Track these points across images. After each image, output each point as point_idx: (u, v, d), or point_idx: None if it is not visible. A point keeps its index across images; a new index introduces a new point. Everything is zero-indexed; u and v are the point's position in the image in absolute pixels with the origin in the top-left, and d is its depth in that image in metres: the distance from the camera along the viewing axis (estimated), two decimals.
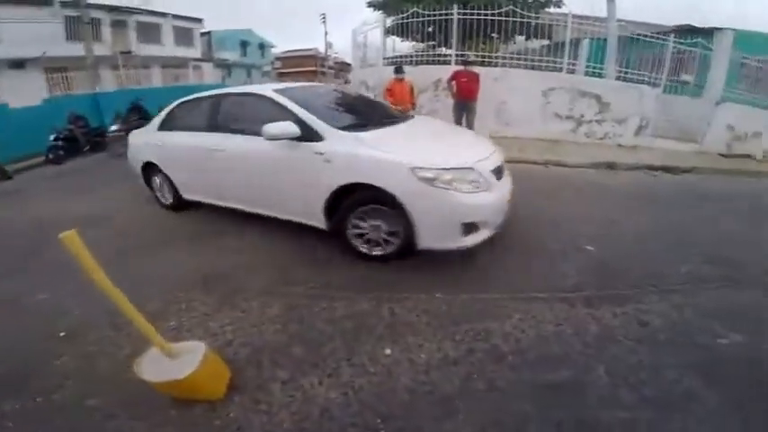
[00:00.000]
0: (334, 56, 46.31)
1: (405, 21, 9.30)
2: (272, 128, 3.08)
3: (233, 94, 4.03)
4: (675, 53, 7.98)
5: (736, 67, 8.54)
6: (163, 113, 4.62)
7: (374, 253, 3.14)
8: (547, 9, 10.87)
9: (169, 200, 4.71)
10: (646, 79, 7.82)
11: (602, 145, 7.75)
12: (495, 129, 7.68)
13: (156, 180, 4.73)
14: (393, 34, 11.13)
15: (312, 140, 3.11)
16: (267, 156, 3.36)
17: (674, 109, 8.19)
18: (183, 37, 26.12)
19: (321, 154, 3.04)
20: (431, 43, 10.64)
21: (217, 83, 21.13)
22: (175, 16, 25.27)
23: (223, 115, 3.91)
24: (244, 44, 34.39)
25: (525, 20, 8.03)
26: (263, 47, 37.95)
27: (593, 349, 2.18)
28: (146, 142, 4.69)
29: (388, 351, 2.22)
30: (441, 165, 2.74)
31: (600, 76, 7.89)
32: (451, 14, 8.48)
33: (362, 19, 11.11)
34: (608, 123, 7.72)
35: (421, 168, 2.71)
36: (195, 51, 26.93)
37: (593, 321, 2.41)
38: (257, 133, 3.20)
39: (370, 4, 13.15)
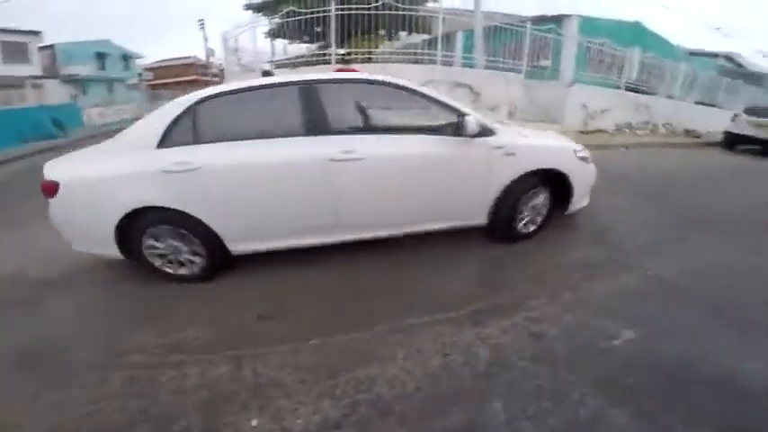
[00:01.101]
0: (218, 63, 42.74)
1: (286, 21, 8.69)
2: (473, 123, 2.80)
3: (332, 81, 2.92)
4: (534, 40, 8.60)
5: (584, 51, 9.57)
6: (164, 117, 2.71)
7: (530, 230, 3.41)
8: (426, 3, 11.07)
9: (198, 264, 2.89)
10: (510, 66, 8.31)
11: None
12: None
13: (161, 240, 2.77)
14: (280, 37, 10.37)
15: (486, 135, 2.94)
16: (435, 158, 2.90)
17: (536, 93, 8.88)
18: (15, 53, 21.85)
19: (501, 148, 2.98)
20: (321, 44, 10.13)
21: (69, 103, 17.95)
22: (1, 30, 20.98)
23: (331, 111, 2.76)
24: (101, 56, 30.05)
25: (400, 12, 7.93)
26: (126, 58, 33.59)
27: (486, 380, 1.88)
28: (134, 172, 2.63)
29: (254, 422, 1.72)
30: (581, 146, 3.51)
31: (472, 66, 8.17)
32: (329, 11, 8.10)
33: (235, 22, 10.07)
34: (482, 112, 8.00)
35: (578, 150, 3.40)
36: (33, 68, 22.69)
37: (482, 343, 2.12)
38: (406, 131, 2.95)
39: (248, 7, 12.19)
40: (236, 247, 2.87)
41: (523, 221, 3.30)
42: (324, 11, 8.11)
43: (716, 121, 15.05)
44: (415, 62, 8.31)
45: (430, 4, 10.79)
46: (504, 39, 8.31)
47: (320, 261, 3.08)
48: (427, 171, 2.91)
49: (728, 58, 17.77)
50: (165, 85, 35.28)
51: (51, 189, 2.66)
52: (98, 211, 2.68)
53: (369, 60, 8.32)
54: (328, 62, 8.26)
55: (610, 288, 2.66)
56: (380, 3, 7.91)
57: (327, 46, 9.71)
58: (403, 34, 9.93)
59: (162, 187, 2.62)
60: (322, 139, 2.70)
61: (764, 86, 16.11)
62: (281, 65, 9.50)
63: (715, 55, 16.81)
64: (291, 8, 8.39)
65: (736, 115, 10.28)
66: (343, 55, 7.25)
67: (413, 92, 2.93)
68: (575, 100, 9.14)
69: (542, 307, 2.44)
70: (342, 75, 3.14)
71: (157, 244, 2.76)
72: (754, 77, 16.55)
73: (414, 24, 8.57)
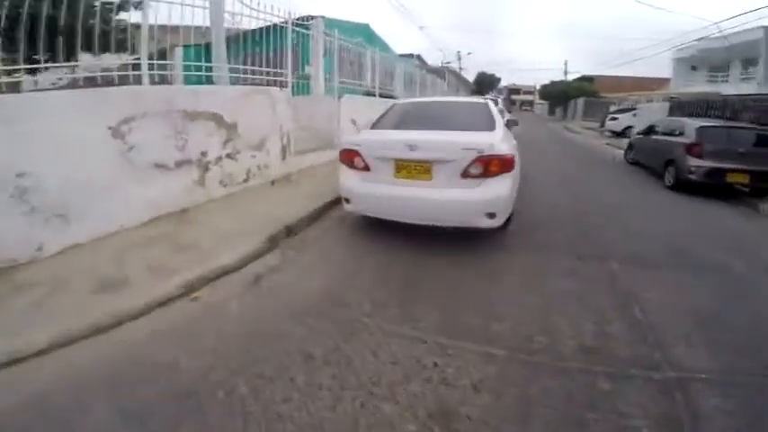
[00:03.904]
0: None
1: None
2: None
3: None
4: (296, 45, 5.82)
5: (339, 55, 7.55)
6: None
7: None
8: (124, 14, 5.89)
9: None
10: (271, 79, 5.35)
11: (250, 190, 4.85)
12: (40, 239, 3.04)
13: None
14: None
15: None
16: None
17: (305, 113, 6.32)
18: None
19: None
20: None
21: None
22: None
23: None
24: None
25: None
26: None
27: None
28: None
29: None
30: None
31: (210, 81, 4.70)
32: None
33: None
34: (246, 154, 4.81)
35: None
36: None
37: None
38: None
39: None
40: None
41: None
42: None
43: None
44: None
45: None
46: (257, 45, 5.21)
47: None
48: None
49: (418, 56, 20.53)
50: None
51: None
52: None
53: None
54: None
55: None
56: None
57: None
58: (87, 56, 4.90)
59: None
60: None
61: (444, 79, 19.49)
62: None
63: (411, 55, 18.84)
64: None
65: None
66: None
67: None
68: (346, 116, 7.18)
69: None
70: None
71: None
72: (438, 72, 19.73)
73: (102, 41, 4.03)
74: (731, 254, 3.99)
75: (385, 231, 4.06)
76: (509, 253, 3.68)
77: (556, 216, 4.97)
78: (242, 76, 4.95)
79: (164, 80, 4.35)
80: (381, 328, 2.47)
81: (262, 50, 5.27)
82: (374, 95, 8.72)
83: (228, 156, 4.55)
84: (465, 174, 3.38)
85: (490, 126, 3.95)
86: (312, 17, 6.51)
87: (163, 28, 4.20)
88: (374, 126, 4.26)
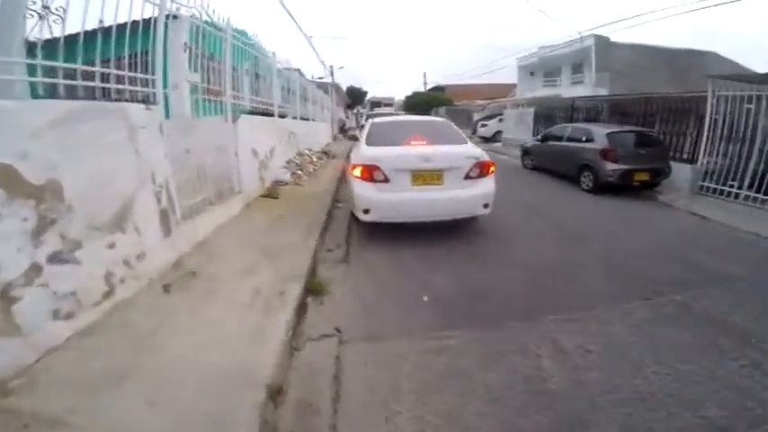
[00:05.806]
0: None
1: None
2: None
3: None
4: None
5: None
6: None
7: None
8: None
9: None
10: (124, 89, 2.94)
11: (125, 311, 2.41)
12: None
13: None
14: None
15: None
16: None
17: (181, 143, 3.97)
18: None
19: None
20: None
21: None
22: None
23: None
24: None
25: None
26: None
27: None
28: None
29: None
30: None
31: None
32: None
33: None
34: (94, 243, 2.35)
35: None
36: None
37: None
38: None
39: None
40: None
41: None
42: None
43: (323, 135, 15.16)
44: None
45: None
46: (105, 47, 2.65)
47: None
48: None
49: (297, 70, 18.58)
50: None
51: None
52: None
53: None
54: None
55: None
56: None
57: None
58: None
59: None
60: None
61: (328, 93, 18.12)
62: None
63: (289, 69, 16.79)
64: None
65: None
66: None
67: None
68: (245, 144, 5.05)
69: None
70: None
71: None
72: (323, 87, 18.25)
73: None
74: (713, 254, 4.27)
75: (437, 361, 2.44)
76: (564, 305, 3.05)
77: (561, 240, 4.77)
78: (63, 82, 2.39)
79: None
80: None
81: (110, 53, 2.87)
82: (271, 115, 6.69)
83: (54, 258, 2.13)
84: (466, 176, 4.20)
85: (463, 140, 4.80)
86: (176, 16, 4.23)
87: None
88: (369, 143, 4.57)
